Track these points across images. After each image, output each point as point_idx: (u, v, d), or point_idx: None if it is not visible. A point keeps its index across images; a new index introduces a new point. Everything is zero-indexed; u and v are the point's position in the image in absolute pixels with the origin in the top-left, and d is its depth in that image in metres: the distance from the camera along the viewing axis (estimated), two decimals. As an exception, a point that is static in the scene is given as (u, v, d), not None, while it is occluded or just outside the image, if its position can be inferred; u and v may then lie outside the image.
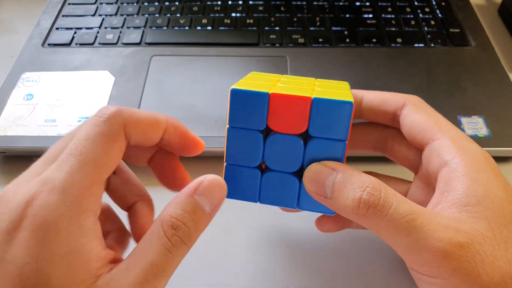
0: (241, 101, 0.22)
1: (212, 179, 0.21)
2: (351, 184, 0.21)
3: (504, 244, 0.20)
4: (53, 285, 0.18)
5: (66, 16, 0.49)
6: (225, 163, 0.23)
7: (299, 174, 0.23)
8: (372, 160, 0.35)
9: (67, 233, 0.19)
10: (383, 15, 0.49)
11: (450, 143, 0.23)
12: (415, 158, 0.27)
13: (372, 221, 0.21)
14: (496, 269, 0.20)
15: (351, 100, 0.21)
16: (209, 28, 0.47)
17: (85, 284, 0.18)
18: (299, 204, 0.24)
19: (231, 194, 0.24)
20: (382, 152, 0.29)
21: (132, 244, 0.26)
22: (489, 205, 0.21)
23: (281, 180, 0.23)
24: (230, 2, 0.50)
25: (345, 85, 0.26)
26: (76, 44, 0.46)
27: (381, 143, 0.29)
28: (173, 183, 0.26)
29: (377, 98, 0.27)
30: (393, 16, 0.49)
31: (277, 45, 0.45)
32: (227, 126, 0.23)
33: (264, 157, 0.23)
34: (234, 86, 0.22)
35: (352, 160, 0.31)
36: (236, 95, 0.22)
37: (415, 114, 0.26)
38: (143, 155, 0.26)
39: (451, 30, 0.47)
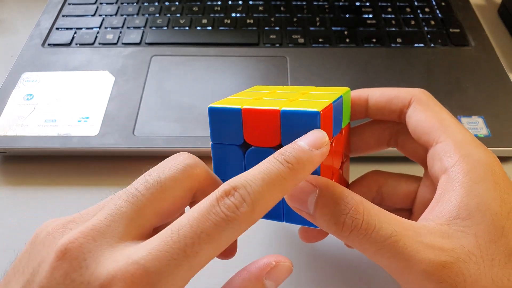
0: (219, 117, 0.23)
1: (283, 265, 0.20)
2: (333, 204, 0.21)
3: (490, 261, 0.20)
4: None
5: (66, 16, 0.49)
6: None
7: None
8: (379, 161, 0.35)
9: None
10: (383, 15, 0.49)
11: (452, 148, 0.23)
12: (424, 155, 0.26)
13: (355, 242, 0.20)
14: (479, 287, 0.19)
15: (318, 109, 0.21)
16: (209, 28, 0.47)
17: None
18: (284, 218, 0.24)
19: None
20: (395, 146, 0.29)
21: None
22: (479, 219, 0.20)
23: None
24: (230, 2, 0.50)
25: (340, 90, 0.26)
26: (76, 44, 0.46)
27: (393, 139, 0.28)
28: (224, 253, 0.24)
29: (382, 97, 0.27)
30: (393, 16, 0.49)
31: (277, 45, 0.45)
32: (211, 142, 0.23)
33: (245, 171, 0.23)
34: (211, 104, 0.23)
35: (358, 160, 0.31)
36: (213, 112, 0.23)
37: (420, 113, 0.25)
38: None
39: (451, 30, 0.47)
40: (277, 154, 0.19)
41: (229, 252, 0.23)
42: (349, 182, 0.29)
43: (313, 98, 0.24)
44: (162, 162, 0.20)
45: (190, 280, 0.17)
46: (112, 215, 0.18)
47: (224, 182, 0.22)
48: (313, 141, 0.20)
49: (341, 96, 0.24)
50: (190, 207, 0.21)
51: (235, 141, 0.23)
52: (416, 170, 0.29)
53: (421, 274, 0.19)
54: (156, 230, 0.19)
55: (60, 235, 0.18)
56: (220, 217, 0.17)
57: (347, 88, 0.26)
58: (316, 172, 0.22)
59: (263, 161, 0.19)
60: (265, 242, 0.32)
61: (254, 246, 0.31)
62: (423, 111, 0.25)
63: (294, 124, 0.21)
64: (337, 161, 0.25)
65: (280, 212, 0.23)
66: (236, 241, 0.23)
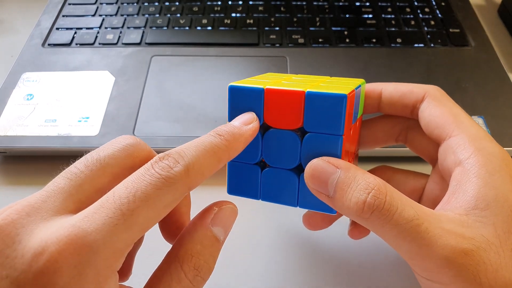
0: (239, 97, 0.22)
1: (226, 208, 0.21)
2: (355, 184, 0.20)
3: (510, 252, 0.20)
4: None
5: (66, 16, 0.49)
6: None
7: (298, 170, 0.23)
8: (385, 161, 0.34)
9: None
10: (383, 15, 0.49)
11: (467, 141, 0.23)
12: (434, 151, 0.26)
13: (376, 224, 0.20)
14: (499, 278, 0.19)
15: (346, 93, 0.20)
16: (209, 28, 0.47)
17: None
18: (299, 202, 0.23)
19: (234, 191, 0.24)
20: (404, 143, 0.29)
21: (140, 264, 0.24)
22: (498, 210, 0.20)
23: (280, 177, 0.23)
24: (230, 2, 0.50)
25: (357, 81, 0.26)
26: (76, 44, 0.46)
27: (403, 135, 0.28)
28: (171, 234, 0.23)
29: (396, 92, 0.27)
30: (393, 16, 0.49)
31: (277, 45, 0.45)
32: (227, 122, 0.23)
33: (263, 154, 0.23)
34: (232, 83, 0.22)
35: (364, 160, 0.31)
36: (234, 91, 0.22)
37: (434, 108, 0.25)
38: None
39: (451, 30, 0.47)
40: (210, 131, 0.20)
41: (123, 273, 0.22)
42: None
43: (334, 84, 0.24)
44: (105, 143, 0.20)
45: (132, 243, 0.17)
46: (48, 191, 0.18)
47: (237, 164, 0.23)
48: (243, 120, 0.21)
49: (360, 85, 0.24)
50: None
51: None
52: (422, 171, 0.29)
53: (442, 260, 0.19)
54: None
55: None
56: (154, 177, 0.17)
57: (362, 80, 0.26)
58: (337, 156, 0.22)
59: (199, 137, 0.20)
60: (267, 241, 0.32)
61: (254, 246, 0.31)
62: (437, 106, 0.25)
63: (318, 106, 0.21)
64: (353, 150, 0.25)
65: (294, 197, 0.23)
66: (132, 261, 0.23)
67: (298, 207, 0.24)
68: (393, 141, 0.29)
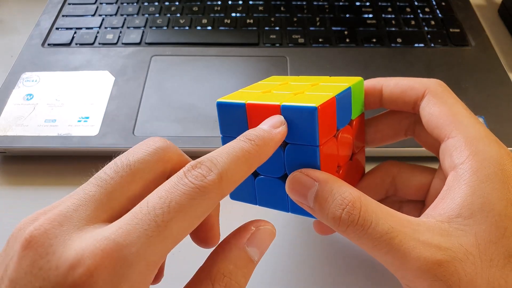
0: (226, 112, 0.23)
1: (264, 229, 0.20)
2: (331, 199, 0.21)
3: (488, 262, 0.19)
4: None
5: (66, 16, 0.49)
6: None
7: (285, 179, 0.23)
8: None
9: None
10: (383, 15, 0.49)
11: (463, 144, 0.22)
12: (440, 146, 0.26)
13: (353, 237, 0.21)
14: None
15: (317, 104, 0.21)
16: (209, 28, 0.47)
17: None
18: (290, 209, 0.24)
19: (235, 197, 0.26)
20: (413, 136, 0.29)
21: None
22: (482, 219, 0.20)
23: (271, 185, 0.24)
24: (230, 2, 0.50)
25: (352, 81, 0.25)
26: (76, 44, 0.46)
27: (411, 129, 0.28)
28: (205, 240, 0.23)
29: (397, 88, 0.26)
30: (393, 16, 0.49)
31: (277, 45, 0.45)
32: (221, 135, 0.24)
33: None
34: (219, 99, 0.23)
35: (371, 160, 0.30)
36: (221, 106, 0.23)
37: (433, 107, 0.24)
38: None
39: (451, 30, 0.47)
40: (240, 136, 0.20)
41: (155, 277, 0.21)
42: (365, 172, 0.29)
43: (319, 90, 0.24)
44: (133, 146, 0.20)
45: (165, 255, 0.17)
46: (79, 199, 0.17)
47: None
48: (269, 123, 0.21)
49: (348, 88, 0.24)
50: None
51: (241, 133, 0.23)
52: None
53: (416, 271, 0.19)
54: None
55: (29, 227, 0.17)
56: (188, 187, 0.17)
57: (359, 78, 0.26)
58: (316, 167, 0.22)
59: (228, 143, 0.20)
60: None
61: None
62: (436, 104, 0.25)
63: (294, 118, 0.21)
64: (346, 153, 0.25)
65: (285, 203, 0.24)
66: (163, 265, 0.22)
67: (290, 213, 0.24)
68: (402, 135, 0.29)
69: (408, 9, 0.49)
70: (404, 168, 0.28)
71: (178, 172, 0.18)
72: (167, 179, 0.19)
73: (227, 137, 0.24)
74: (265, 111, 0.22)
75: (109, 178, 0.18)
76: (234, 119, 0.23)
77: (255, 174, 0.24)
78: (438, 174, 0.27)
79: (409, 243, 0.20)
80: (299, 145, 0.22)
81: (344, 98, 0.23)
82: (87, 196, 0.18)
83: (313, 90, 0.24)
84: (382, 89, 0.27)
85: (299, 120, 0.21)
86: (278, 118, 0.22)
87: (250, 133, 0.20)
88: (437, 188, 0.26)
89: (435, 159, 0.26)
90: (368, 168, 0.29)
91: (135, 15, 0.49)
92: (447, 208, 0.21)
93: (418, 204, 0.28)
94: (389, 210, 0.21)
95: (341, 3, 0.50)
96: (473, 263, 0.19)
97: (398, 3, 0.50)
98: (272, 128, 0.21)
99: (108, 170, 0.19)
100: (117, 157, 0.19)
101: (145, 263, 0.16)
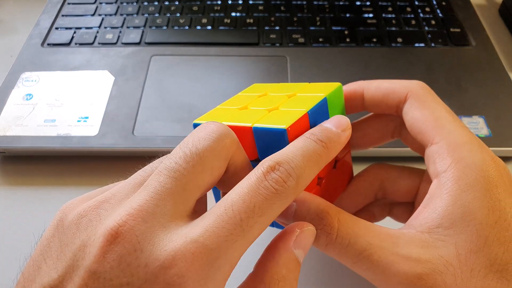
0: None
1: (308, 230, 0.20)
2: (308, 219, 0.21)
3: (469, 273, 0.19)
4: None
5: (66, 16, 0.49)
6: None
7: None
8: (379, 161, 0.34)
9: None
10: (383, 15, 0.49)
11: (446, 151, 0.22)
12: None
13: (333, 255, 0.21)
14: None
15: (286, 126, 0.21)
16: (209, 28, 0.47)
17: None
18: (274, 223, 0.24)
19: None
20: (399, 137, 0.28)
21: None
22: (462, 229, 0.20)
23: None
24: (230, 2, 0.50)
25: (327, 89, 0.25)
26: (76, 44, 0.46)
27: (397, 131, 0.28)
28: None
29: (378, 92, 0.26)
30: (393, 15, 0.48)
31: (277, 45, 0.45)
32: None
33: None
34: (195, 121, 0.23)
35: (359, 160, 0.31)
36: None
37: (416, 111, 0.24)
38: None
39: (451, 30, 0.47)
40: (308, 134, 0.20)
41: None
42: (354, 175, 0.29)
43: (293, 105, 0.24)
44: (194, 132, 0.20)
45: (243, 254, 0.17)
46: (158, 193, 0.17)
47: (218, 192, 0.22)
48: (338, 124, 0.22)
49: (324, 99, 0.24)
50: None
51: None
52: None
53: (397, 285, 0.20)
54: (197, 202, 0.19)
55: (97, 217, 0.17)
56: (270, 191, 0.17)
57: (337, 84, 0.26)
58: None
59: (298, 140, 0.20)
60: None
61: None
62: (418, 108, 0.24)
63: (265, 139, 0.21)
64: (331, 161, 0.25)
65: None
66: None
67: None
68: (389, 137, 0.28)
69: (408, 9, 0.49)
70: (392, 171, 0.28)
71: (256, 171, 0.18)
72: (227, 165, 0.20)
73: None
74: (238, 132, 0.21)
75: (182, 169, 0.18)
76: None
77: None
78: (426, 177, 0.27)
79: (388, 258, 0.20)
80: None
81: (319, 110, 0.23)
82: (164, 189, 0.17)
83: (288, 104, 0.24)
84: (363, 93, 0.26)
85: (270, 141, 0.21)
86: (346, 120, 0.22)
87: (321, 134, 0.20)
88: (424, 192, 0.26)
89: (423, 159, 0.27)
90: (357, 169, 0.29)
91: (135, 15, 0.49)
92: (428, 218, 0.21)
93: (408, 206, 0.28)
94: (367, 224, 0.21)
95: (341, 3, 0.50)
96: (453, 275, 0.19)
97: (398, 3, 0.50)
98: (340, 131, 0.21)
99: (179, 160, 0.18)
100: (182, 143, 0.19)
101: (229, 265, 0.17)
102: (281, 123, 0.21)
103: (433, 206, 0.21)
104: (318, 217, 0.21)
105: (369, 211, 0.29)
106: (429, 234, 0.20)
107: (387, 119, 0.28)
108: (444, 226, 0.20)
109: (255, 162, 0.22)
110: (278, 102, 0.24)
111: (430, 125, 0.23)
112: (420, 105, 0.24)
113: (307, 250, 0.20)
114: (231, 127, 0.21)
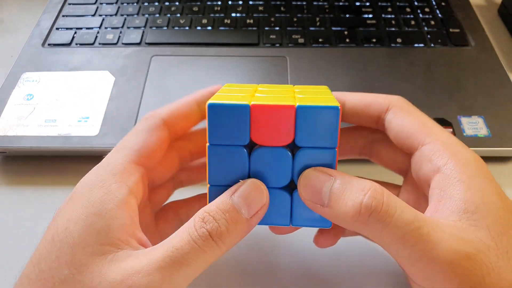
0: (221, 115, 0.20)
1: (250, 182, 0.21)
2: (350, 189, 0.20)
3: (506, 254, 0.19)
4: (74, 241, 0.19)
5: (66, 16, 0.49)
6: (208, 185, 0.22)
7: (289, 188, 0.22)
8: (356, 162, 0.34)
9: (96, 197, 0.20)
10: (383, 15, 0.49)
11: (441, 148, 0.22)
12: (403, 162, 0.26)
13: (375, 228, 0.19)
14: (502, 281, 0.19)
15: (337, 104, 0.20)
16: (209, 28, 0.47)
17: (104, 249, 0.19)
18: (292, 221, 0.22)
19: None
20: (368, 156, 0.28)
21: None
22: (487, 212, 0.20)
23: (270, 197, 0.22)
24: (230, 2, 0.50)
25: (325, 89, 0.25)
26: (76, 44, 0.46)
27: (367, 148, 0.28)
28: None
29: (360, 102, 0.26)
30: (393, 16, 0.49)
31: (277, 45, 0.45)
32: (207, 144, 0.21)
33: (250, 174, 0.21)
34: (210, 100, 0.20)
35: (343, 162, 0.31)
36: (214, 109, 0.20)
37: (402, 118, 0.24)
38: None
39: (451, 30, 0.47)
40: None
41: None
42: None
43: (311, 94, 0.23)
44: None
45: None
46: None
47: (221, 187, 0.21)
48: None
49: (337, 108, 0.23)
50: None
51: (239, 141, 0.21)
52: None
53: (446, 265, 0.18)
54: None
55: None
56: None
57: (325, 87, 0.26)
58: (332, 166, 0.21)
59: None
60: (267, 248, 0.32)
61: (256, 251, 0.31)
62: (404, 116, 0.25)
63: (311, 120, 0.20)
64: None
65: (287, 215, 0.22)
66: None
67: (291, 225, 0.23)
68: (356, 154, 0.28)
69: (408, 9, 0.49)
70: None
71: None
72: None
73: (217, 146, 0.21)
74: (276, 112, 0.20)
75: None
76: (231, 124, 0.20)
77: None
78: (405, 188, 0.27)
79: (437, 234, 0.19)
80: (314, 149, 0.21)
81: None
82: None
83: (303, 94, 0.23)
84: (345, 103, 0.27)
85: (317, 122, 0.20)
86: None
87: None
88: (405, 201, 0.26)
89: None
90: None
91: (135, 15, 0.49)
92: (450, 207, 0.21)
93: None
94: (407, 204, 0.20)
95: (341, 3, 0.50)
96: (495, 255, 0.19)
97: (398, 3, 0.50)
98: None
99: None
100: None
101: None
102: (329, 103, 0.20)
103: (450, 195, 0.21)
104: (361, 185, 0.20)
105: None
106: (460, 222, 0.20)
107: (358, 134, 0.28)
108: (470, 211, 0.20)
109: (287, 147, 0.21)
110: (286, 93, 0.23)
111: (419, 129, 0.24)
112: (405, 113, 0.25)
113: (252, 204, 0.20)
114: (266, 106, 0.20)
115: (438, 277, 0.19)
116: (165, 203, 0.29)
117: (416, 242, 0.19)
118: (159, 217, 0.28)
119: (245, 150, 0.21)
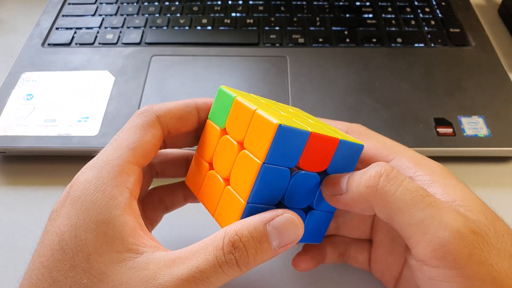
0: (285, 138, 0.20)
1: (290, 218, 0.20)
2: (363, 173, 0.22)
3: (503, 238, 0.20)
4: (89, 250, 0.19)
5: (66, 16, 0.49)
6: (243, 202, 0.21)
7: (306, 209, 0.24)
8: None
9: (101, 203, 0.20)
10: (383, 15, 0.49)
11: (406, 161, 0.24)
12: (368, 226, 0.27)
13: (387, 194, 0.20)
14: (503, 262, 0.19)
15: (361, 143, 0.24)
16: (209, 28, 0.47)
17: (122, 256, 0.19)
18: (304, 235, 0.23)
19: None
20: (346, 261, 0.29)
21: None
22: (474, 202, 0.21)
23: None
24: (230, 2, 0.50)
25: (303, 113, 0.27)
26: (76, 44, 0.46)
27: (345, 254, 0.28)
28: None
29: None
30: (393, 16, 0.49)
31: (277, 45, 0.45)
32: (260, 163, 0.20)
33: (285, 196, 0.22)
34: (280, 122, 0.20)
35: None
36: (283, 131, 0.20)
37: (362, 141, 0.25)
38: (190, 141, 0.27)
39: (451, 30, 0.47)
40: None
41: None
42: None
43: (321, 124, 0.25)
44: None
45: None
46: None
47: (255, 206, 0.21)
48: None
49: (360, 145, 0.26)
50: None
51: (289, 163, 0.21)
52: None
53: (456, 233, 0.19)
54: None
55: None
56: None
57: (298, 109, 0.28)
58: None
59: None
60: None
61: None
62: (363, 139, 0.26)
63: (344, 153, 0.23)
64: None
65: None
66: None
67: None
68: (336, 259, 0.29)
69: (408, 9, 0.49)
70: (342, 240, 0.28)
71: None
72: None
73: (270, 166, 0.21)
74: (325, 142, 0.22)
75: None
76: (289, 147, 0.21)
77: (277, 206, 0.22)
78: (376, 241, 0.27)
79: (444, 204, 0.20)
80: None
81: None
82: None
83: (316, 122, 0.25)
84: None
85: (347, 154, 0.23)
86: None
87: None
88: (382, 225, 0.27)
89: None
90: None
91: (135, 15, 0.49)
92: (441, 198, 0.22)
93: (365, 244, 0.28)
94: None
95: (341, 3, 0.50)
96: (494, 237, 0.19)
97: (398, 3, 0.50)
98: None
99: None
100: None
101: None
102: (356, 141, 0.24)
103: (433, 192, 0.22)
104: (376, 165, 0.22)
105: (320, 249, 0.28)
106: (455, 207, 0.21)
107: (338, 241, 0.28)
108: (458, 202, 0.21)
109: (320, 174, 0.23)
110: (314, 121, 0.25)
111: (380, 149, 0.25)
112: (364, 137, 0.26)
113: (284, 239, 0.20)
114: (321, 136, 0.22)
115: (447, 247, 0.19)
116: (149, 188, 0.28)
117: (426, 206, 0.20)
118: (146, 205, 0.28)
119: (289, 172, 0.22)
